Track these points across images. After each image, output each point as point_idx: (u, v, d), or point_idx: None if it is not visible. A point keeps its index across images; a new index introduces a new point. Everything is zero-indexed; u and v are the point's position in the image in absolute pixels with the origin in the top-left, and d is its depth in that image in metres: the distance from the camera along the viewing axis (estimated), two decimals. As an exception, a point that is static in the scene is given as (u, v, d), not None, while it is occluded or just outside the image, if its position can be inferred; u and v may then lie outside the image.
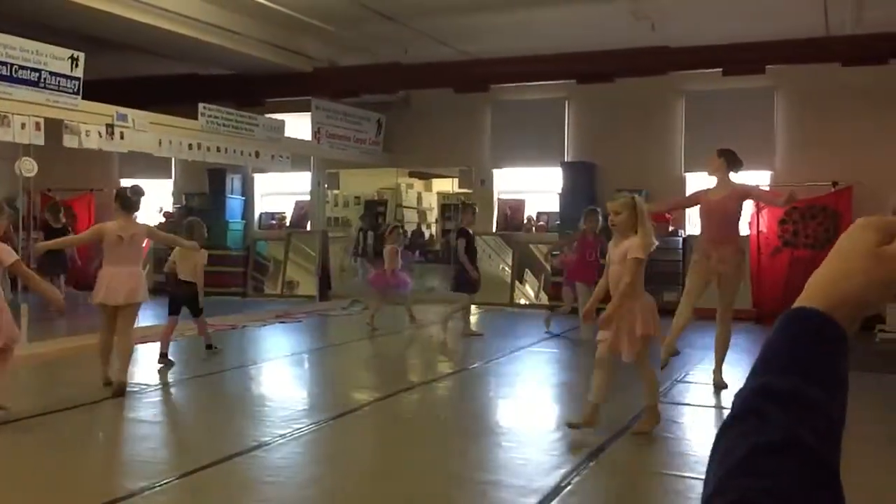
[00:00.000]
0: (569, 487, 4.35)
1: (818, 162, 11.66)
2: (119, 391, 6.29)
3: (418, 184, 27.12)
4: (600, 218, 9.32)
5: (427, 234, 24.81)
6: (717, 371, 7.00)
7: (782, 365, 0.71)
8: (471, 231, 9.87)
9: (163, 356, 7.69)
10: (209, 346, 8.24)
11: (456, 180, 21.89)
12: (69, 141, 8.80)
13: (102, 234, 6.51)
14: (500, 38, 11.92)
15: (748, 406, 0.70)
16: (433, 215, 28.45)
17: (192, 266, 7.73)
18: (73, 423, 5.77)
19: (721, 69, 11.55)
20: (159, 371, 7.51)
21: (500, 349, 9.07)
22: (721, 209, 6.63)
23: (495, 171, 14.35)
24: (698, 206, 6.88)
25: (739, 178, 7.04)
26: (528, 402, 6.86)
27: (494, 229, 14.26)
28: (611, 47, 11.53)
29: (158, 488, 4.29)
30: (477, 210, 10.36)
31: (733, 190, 6.68)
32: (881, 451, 5.21)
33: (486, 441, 5.50)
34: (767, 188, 11.25)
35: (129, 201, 6.66)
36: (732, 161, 6.70)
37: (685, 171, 13.05)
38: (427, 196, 28.65)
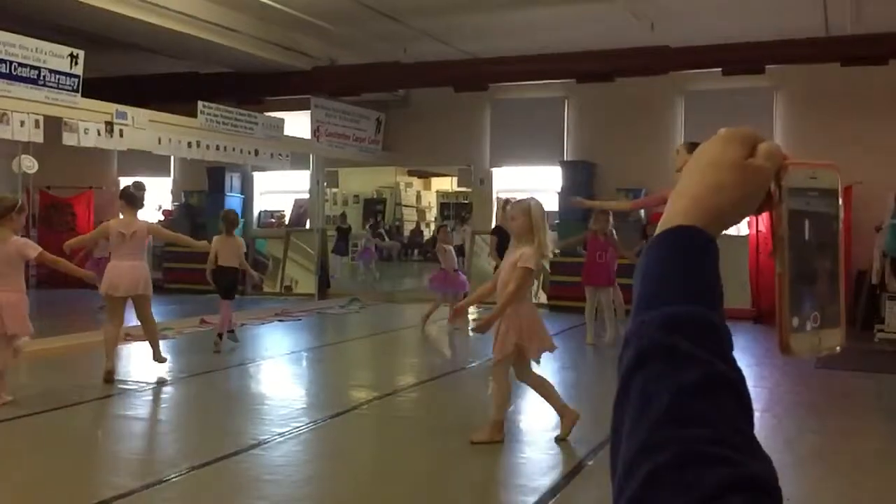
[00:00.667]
0: (567, 486, 4.36)
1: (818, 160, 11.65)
2: (158, 361, 7.19)
3: (417, 182, 27.09)
4: (611, 219, 9.20)
5: (427, 233, 24.82)
6: None
7: (679, 291, 0.65)
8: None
9: (230, 332, 8.54)
10: (231, 331, 8.64)
11: (455, 179, 21.88)
12: (68, 139, 8.79)
13: (108, 231, 6.98)
14: (499, 37, 11.91)
15: (654, 343, 0.62)
16: (432, 213, 28.33)
17: (231, 252, 8.32)
18: (71, 420, 5.77)
19: (721, 69, 11.55)
20: (215, 350, 8.30)
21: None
22: None
23: (494, 170, 14.36)
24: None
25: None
26: (527, 401, 6.85)
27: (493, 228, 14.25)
28: (610, 47, 11.53)
29: (157, 486, 4.29)
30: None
31: None
32: (887, 447, 5.22)
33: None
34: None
35: (133, 198, 7.03)
36: None
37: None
38: (426, 195, 28.57)
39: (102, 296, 7.01)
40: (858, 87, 11.48)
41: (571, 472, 4.55)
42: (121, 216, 7.01)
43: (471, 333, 10.00)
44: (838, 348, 0.71)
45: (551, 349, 5.16)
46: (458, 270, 10.46)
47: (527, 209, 4.97)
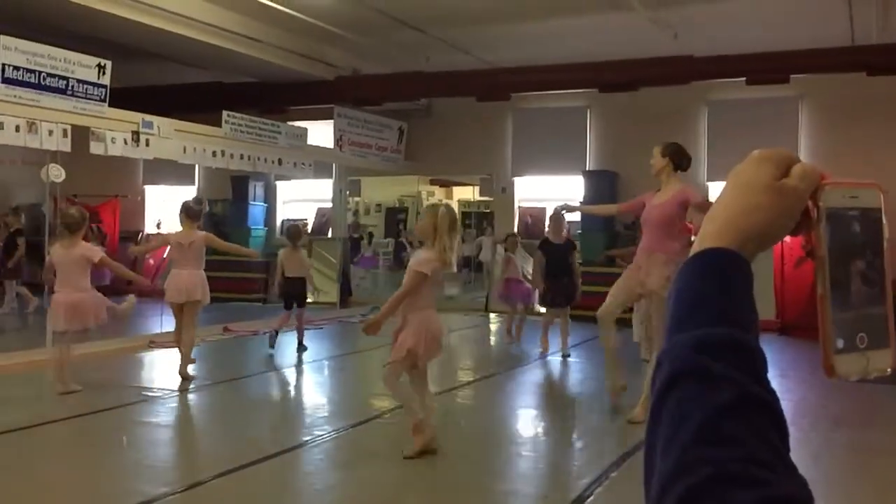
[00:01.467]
0: (591, 498, 4.33)
1: (843, 171, 11.14)
2: (183, 380, 7.23)
3: (439, 191, 27.14)
4: None
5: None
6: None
7: (712, 313, 0.65)
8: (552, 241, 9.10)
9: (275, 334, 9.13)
10: (301, 343, 9.20)
11: (477, 188, 21.91)
12: (95, 148, 8.90)
13: (167, 241, 7.85)
14: (521, 47, 11.93)
15: (687, 364, 0.63)
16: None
17: (297, 264, 9.05)
18: (95, 426, 5.82)
19: (745, 78, 11.48)
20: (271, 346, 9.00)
21: (522, 358, 9.05)
22: (656, 215, 5.82)
23: (516, 180, 14.35)
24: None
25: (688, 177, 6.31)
26: (548, 411, 6.83)
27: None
28: (633, 56, 11.50)
29: (179, 494, 4.31)
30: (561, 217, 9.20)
31: (675, 193, 5.78)
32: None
33: (506, 450, 5.49)
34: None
35: (193, 211, 7.67)
36: (678, 159, 5.83)
37: (707, 181, 12.97)
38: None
39: (167, 304, 7.58)
40: (885, 96, 11.36)
41: (593, 483, 4.52)
42: (182, 228, 7.59)
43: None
44: (889, 370, 0.70)
45: (437, 356, 5.04)
46: (521, 281, 10.11)
47: (434, 213, 4.89)
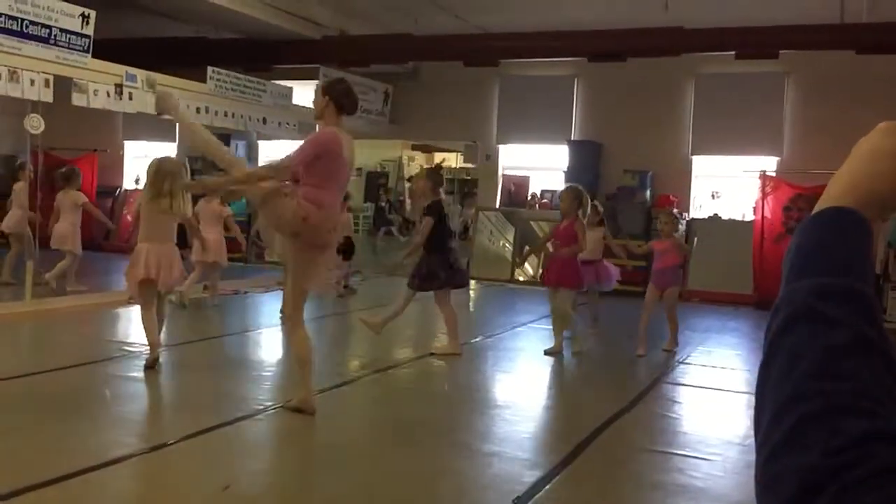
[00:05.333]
0: (574, 462, 4.39)
1: (827, 150, 11.55)
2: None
3: (420, 157, 26.99)
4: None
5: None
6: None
7: (830, 264, 0.69)
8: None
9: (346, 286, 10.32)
10: (346, 286, 10.37)
11: (459, 154, 21.82)
12: (78, 99, 8.73)
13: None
14: (512, 13, 11.84)
15: (806, 308, 0.66)
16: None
17: (344, 226, 9.06)
18: (75, 381, 5.78)
19: (734, 52, 11.48)
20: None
21: (501, 325, 9.10)
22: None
23: (501, 147, 14.31)
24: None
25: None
26: (529, 378, 6.89)
27: (498, 205, 14.24)
28: (623, 26, 11.45)
29: (165, 448, 4.31)
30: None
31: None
32: None
33: (489, 414, 5.54)
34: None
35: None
36: (341, 98, 5.02)
37: (692, 154, 13.03)
38: (429, 169, 28.32)
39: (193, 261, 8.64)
40: (872, 75, 11.42)
41: (575, 449, 4.58)
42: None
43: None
44: None
45: None
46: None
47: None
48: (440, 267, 6.97)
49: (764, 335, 0.69)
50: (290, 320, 5.12)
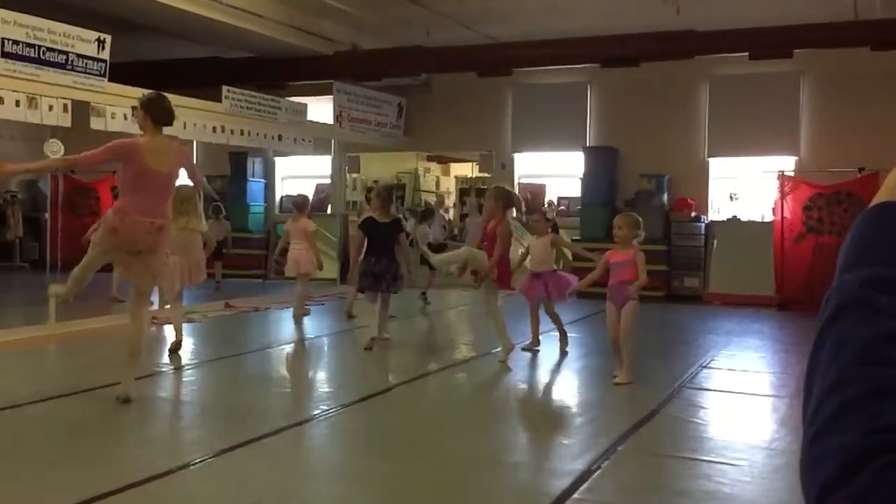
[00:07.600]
0: (599, 471, 4.36)
1: (844, 148, 11.54)
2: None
3: (436, 168, 27.06)
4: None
5: (445, 218, 24.82)
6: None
7: (883, 256, 0.69)
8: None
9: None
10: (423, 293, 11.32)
11: (475, 164, 21.87)
12: (96, 123, 8.84)
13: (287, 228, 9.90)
14: (523, 21, 11.85)
15: (856, 297, 0.67)
16: (451, 199, 28.36)
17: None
18: (104, 401, 5.83)
19: (747, 53, 11.43)
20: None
21: (522, 333, 9.08)
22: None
23: (516, 156, 14.32)
24: None
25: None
26: (551, 386, 6.87)
27: (514, 213, 14.21)
28: (635, 31, 11.44)
29: (193, 467, 4.34)
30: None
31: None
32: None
33: (512, 424, 5.53)
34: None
35: (301, 206, 9.86)
36: (155, 111, 5.57)
37: (708, 156, 12.97)
38: (445, 180, 28.57)
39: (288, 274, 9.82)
40: (887, 72, 11.34)
41: (601, 457, 4.56)
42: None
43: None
44: None
45: None
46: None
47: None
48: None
49: (814, 324, 0.70)
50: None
